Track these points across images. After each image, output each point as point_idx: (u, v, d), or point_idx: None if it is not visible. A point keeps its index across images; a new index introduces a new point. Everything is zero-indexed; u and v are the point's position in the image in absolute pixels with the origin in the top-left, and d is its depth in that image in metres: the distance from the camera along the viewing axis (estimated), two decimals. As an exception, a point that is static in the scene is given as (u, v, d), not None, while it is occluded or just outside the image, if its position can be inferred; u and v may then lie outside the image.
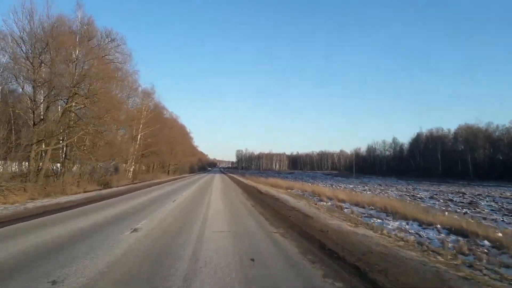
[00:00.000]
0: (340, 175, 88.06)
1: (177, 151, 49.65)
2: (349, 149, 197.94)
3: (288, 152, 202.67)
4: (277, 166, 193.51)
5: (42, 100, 15.81)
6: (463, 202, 20.00)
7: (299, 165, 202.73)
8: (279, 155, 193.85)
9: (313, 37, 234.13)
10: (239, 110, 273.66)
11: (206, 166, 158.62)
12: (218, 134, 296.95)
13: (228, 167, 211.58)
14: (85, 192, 16.97)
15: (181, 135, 56.95)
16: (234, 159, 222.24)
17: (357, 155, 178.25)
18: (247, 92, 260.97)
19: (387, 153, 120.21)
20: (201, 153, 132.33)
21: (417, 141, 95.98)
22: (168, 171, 49.94)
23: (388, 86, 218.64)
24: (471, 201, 21.21)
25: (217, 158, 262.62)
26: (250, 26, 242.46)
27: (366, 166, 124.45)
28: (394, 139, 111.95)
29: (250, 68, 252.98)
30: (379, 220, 10.08)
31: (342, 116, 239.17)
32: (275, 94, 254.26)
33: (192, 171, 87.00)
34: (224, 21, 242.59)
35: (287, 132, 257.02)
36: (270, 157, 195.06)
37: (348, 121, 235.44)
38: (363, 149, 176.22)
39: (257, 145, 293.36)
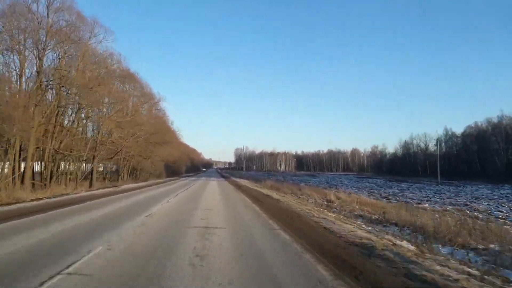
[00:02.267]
0: (398, 180, 58.92)
1: (130, 127, 20.90)
2: (362, 148, 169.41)
3: (289, 151, 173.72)
4: (282, 167, 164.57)
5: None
6: None
7: (305, 165, 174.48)
8: (285, 154, 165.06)
9: (314, 34, 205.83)
10: (234, 107, 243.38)
11: (199, 166, 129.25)
12: (213, 131, 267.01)
13: (226, 168, 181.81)
14: None
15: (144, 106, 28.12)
16: (231, 159, 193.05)
17: (378, 153, 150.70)
18: (243, 88, 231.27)
19: (428, 150, 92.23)
20: (193, 150, 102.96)
21: (487, 133, 68.32)
22: (107, 175, 20.72)
23: (394, 83, 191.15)
24: None
25: (213, 159, 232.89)
26: (251, 21, 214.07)
27: (397, 166, 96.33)
28: (447, 131, 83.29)
29: (247, 65, 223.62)
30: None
31: (348, 114, 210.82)
32: (273, 91, 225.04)
33: (175, 172, 57.91)
34: (225, 14, 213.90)
35: (287, 130, 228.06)
36: (273, 156, 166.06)
37: (355, 119, 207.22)
38: (381, 147, 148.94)
39: (256, 145, 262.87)
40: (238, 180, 37.18)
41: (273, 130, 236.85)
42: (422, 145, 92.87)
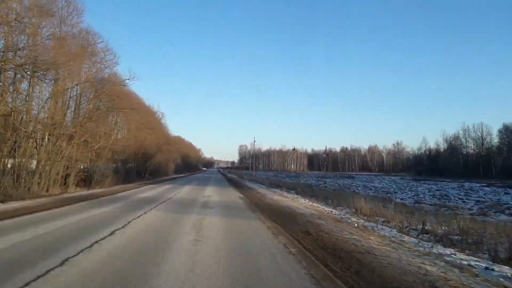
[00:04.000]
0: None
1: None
2: (381, 145, 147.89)
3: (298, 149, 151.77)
4: (293, 166, 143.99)
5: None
6: None
7: (316, 164, 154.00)
8: (295, 151, 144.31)
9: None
10: (236, 105, 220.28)
11: (197, 165, 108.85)
12: (215, 130, 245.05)
13: (228, 167, 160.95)
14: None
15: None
16: (233, 158, 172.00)
17: (400, 150, 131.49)
18: (245, 86, 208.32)
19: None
20: (189, 144, 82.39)
21: None
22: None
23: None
24: None
25: (215, 157, 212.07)
26: (251, 21, 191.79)
27: (440, 165, 75.24)
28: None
29: (250, 62, 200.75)
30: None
31: (357, 111, 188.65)
32: (278, 88, 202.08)
33: (156, 173, 37.53)
34: (226, 14, 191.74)
35: (295, 128, 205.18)
36: (283, 154, 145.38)
37: (362, 116, 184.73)
38: (405, 143, 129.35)
39: (262, 143, 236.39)
40: (266, 192, 16.19)
41: (279, 128, 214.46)
42: (478, 138, 71.65)
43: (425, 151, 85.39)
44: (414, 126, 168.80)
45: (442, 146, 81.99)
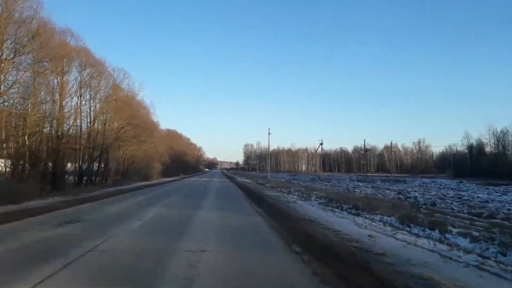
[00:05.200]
0: None
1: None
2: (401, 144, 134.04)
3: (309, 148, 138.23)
4: (304, 167, 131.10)
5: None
6: None
7: (327, 165, 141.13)
8: (307, 151, 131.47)
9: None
10: (238, 104, 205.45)
11: (198, 166, 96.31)
12: (218, 130, 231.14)
13: (233, 168, 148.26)
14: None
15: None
16: (237, 159, 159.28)
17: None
18: (249, 85, 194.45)
19: None
20: (187, 141, 69.69)
21: None
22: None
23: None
24: None
25: (219, 158, 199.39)
26: (254, 21, 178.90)
27: (487, 167, 61.65)
28: None
29: (254, 59, 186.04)
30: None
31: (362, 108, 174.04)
32: (284, 85, 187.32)
33: (127, 175, 25.08)
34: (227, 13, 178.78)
35: (304, 127, 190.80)
36: (292, 154, 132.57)
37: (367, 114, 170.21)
38: (428, 141, 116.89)
39: (265, 143, 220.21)
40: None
41: (285, 128, 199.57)
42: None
43: (467, 147, 71.85)
44: (435, 123, 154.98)
45: (488, 142, 68.72)
